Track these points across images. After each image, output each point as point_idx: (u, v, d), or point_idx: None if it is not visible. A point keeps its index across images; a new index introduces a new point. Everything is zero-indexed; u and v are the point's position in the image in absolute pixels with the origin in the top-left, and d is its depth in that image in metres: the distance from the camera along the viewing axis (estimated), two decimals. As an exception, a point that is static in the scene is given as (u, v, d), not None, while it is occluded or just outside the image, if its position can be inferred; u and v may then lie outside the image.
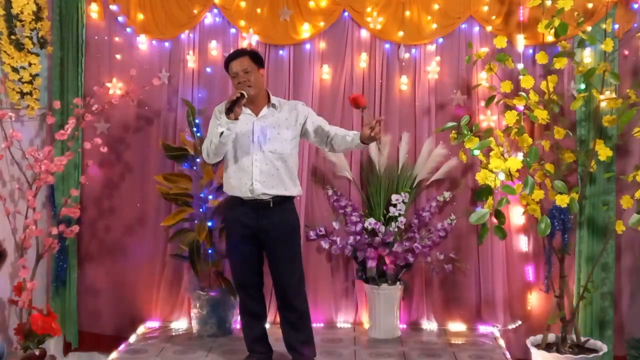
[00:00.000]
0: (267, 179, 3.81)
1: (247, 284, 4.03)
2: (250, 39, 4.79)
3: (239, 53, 3.90)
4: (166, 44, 4.89)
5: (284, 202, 3.88)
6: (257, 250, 3.94)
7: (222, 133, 3.68)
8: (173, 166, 4.87)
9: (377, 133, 3.62)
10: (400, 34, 4.78)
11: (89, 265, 4.97)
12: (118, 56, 4.88)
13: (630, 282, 4.64)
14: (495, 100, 4.43)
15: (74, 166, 4.76)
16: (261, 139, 3.83)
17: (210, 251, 4.69)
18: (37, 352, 4.23)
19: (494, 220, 3.78)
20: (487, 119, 4.73)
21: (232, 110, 3.64)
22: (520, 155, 4.26)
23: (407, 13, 4.76)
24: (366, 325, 4.86)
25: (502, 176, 4.04)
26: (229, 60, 3.87)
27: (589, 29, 4.45)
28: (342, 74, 4.86)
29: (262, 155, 3.83)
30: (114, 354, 4.41)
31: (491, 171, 3.93)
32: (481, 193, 3.93)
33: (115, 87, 4.81)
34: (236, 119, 3.68)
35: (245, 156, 3.84)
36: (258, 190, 3.80)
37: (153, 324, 4.92)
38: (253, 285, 4.03)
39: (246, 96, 3.69)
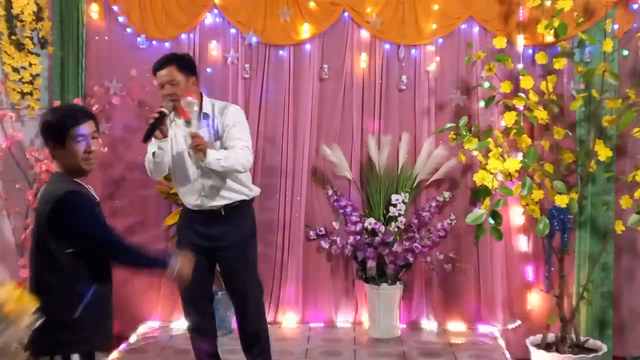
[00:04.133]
0: (212, 192, 3.57)
1: (195, 297, 3.69)
2: (250, 39, 4.79)
3: (165, 61, 3.53)
4: (166, 44, 4.88)
5: (238, 208, 3.63)
6: (208, 261, 3.65)
7: (154, 153, 3.42)
8: (173, 166, 4.87)
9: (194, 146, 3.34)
10: (400, 34, 4.78)
11: (90, 265, 4.97)
12: (118, 56, 4.88)
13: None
14: (495, 100, 4.43)
15: (74, 166, 4.76)
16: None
17: (210, 251, 4.68)
18: (37, 352, 4.23)
19: (491, 221, 3.78)
20: (487, 119, 4.73)
21: (153, 133, 3.33)
22: (520, 155, 4.26)
23: (407, 13, 4.76)
24: (366, 325, 4.86)
25: (500, 177, 4.03)
26: (154, 70, 3.54)
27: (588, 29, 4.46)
28: (342, 74, 4.86)
29: (201, 170, 3.56)
30: (114, 354, 4.41)
31: (489, 172, 3.93)
32: (478, 194, 3.92)
33: (116, 87, 4.81)
34: (165, 136, 3.40)
35: (186, 171, 3.58)
36: (205, 205, 3.58)
37: (153, 324, 4.93)
38: (202, 299, 3.71)
39: (167, 113, 3.39)
